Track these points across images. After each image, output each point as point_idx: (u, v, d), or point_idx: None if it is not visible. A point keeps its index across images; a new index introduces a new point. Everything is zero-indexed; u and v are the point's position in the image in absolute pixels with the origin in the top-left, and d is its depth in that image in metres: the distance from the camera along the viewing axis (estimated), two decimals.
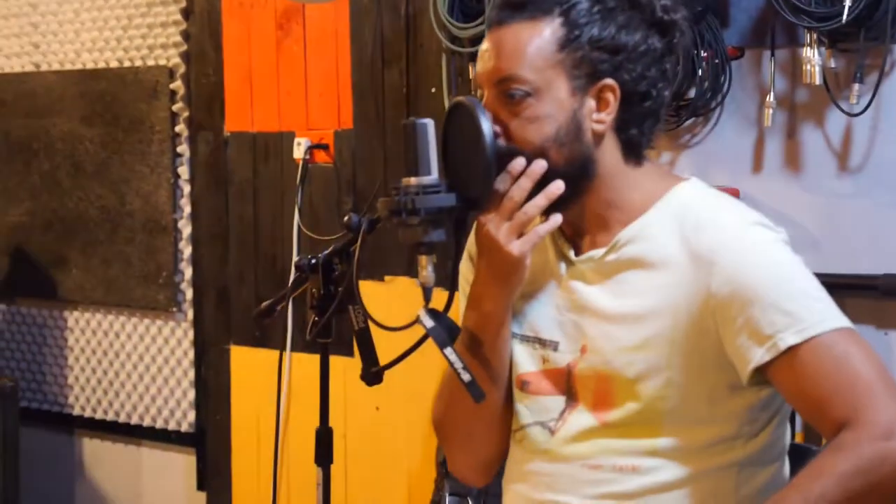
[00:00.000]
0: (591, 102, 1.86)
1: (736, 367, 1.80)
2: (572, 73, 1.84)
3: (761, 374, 1.79)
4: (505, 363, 1.96)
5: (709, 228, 1.83)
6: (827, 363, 1.73)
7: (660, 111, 1.91)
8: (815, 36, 2.83)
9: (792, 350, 1.74)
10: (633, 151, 1.91)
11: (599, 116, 1.86)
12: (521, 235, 1.84)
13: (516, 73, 1.84)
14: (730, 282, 1.78)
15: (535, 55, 1.84)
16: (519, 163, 1.83)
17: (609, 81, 1.85)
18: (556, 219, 1.87)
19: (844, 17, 2.72)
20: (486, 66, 1.88)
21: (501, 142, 1.85)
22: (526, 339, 1.96)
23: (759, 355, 1.76)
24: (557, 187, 1.84)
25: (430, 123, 1.81)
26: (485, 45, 1.89)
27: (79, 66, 4.55)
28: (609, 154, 1.88)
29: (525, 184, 1.83)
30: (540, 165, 1.83)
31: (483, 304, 1.91)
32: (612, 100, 1.86)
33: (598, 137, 1.87)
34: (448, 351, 1.80)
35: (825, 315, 1.76)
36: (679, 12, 1.91)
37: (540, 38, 1.84)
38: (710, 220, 1.84)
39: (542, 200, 1.83)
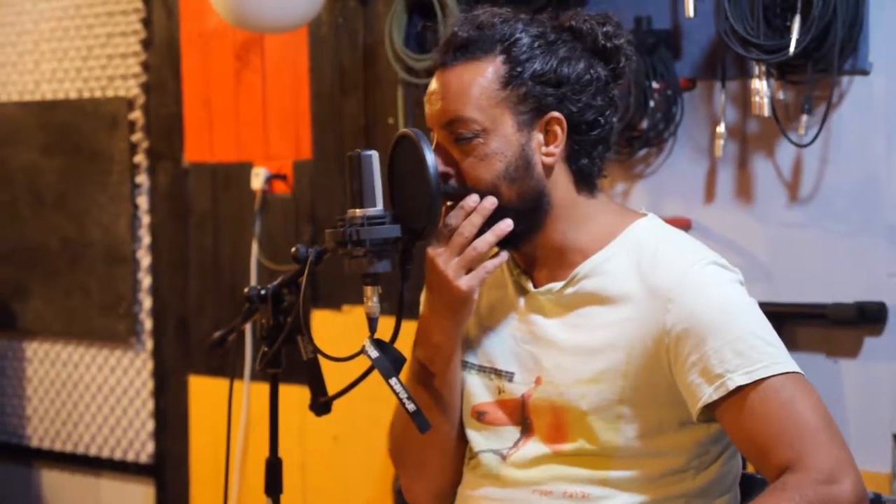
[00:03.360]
0: (538, 136, 1.88)
1: (687, 403, 1.82)
2: (517, 109, 1.86)
3: (710, 412, 1.81)
4: (456, 394, 1.98)
5: (666, 266, 1.84)
6: (774, 406, 1.75)
7: (609, 138, 1.93)
8: (764, 68, 2.87)
9: (740, 391, 1.76)
10: (585, 181, 1.92)
11: (548, 150, 1.88)
12: (469, 271, 1.86)
13: (463, 114, 1.86)
14: (684, 319, 1.80)
15: (479, 95, 1.86)
16: (472, 199, 1.85)
17: (555, 114, 1.87)
18: (503, 255, 1.90)
19: (792, 49, 2.76)
20: (433, 108, 1.90)
21: (453, 183, 1.87)
22: (482, 369, 1.98)
23: (708, 393, 1.78)
24: (507, 225, 1.86)
25: (374, 155, 1.83)
26: (432, 87, 1.91)
27: (38, 97, 4.56)
28: (561, 186, 1.90)
29: (476, 220, 1.85)
30: (490, 202, 1.85)
31: (432, 337, 1.93)
32: (560, 132, 1.87)
33: (549, 170, 1.89)
34: (393, 381, 1.81)
35: (775, 359, 1.77)
36: (622, 37, 1.92)
37: (483, 77, 1.86)
38: (667, 257, 1.86)
39: (491, 237, 1.86)
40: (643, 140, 3.11)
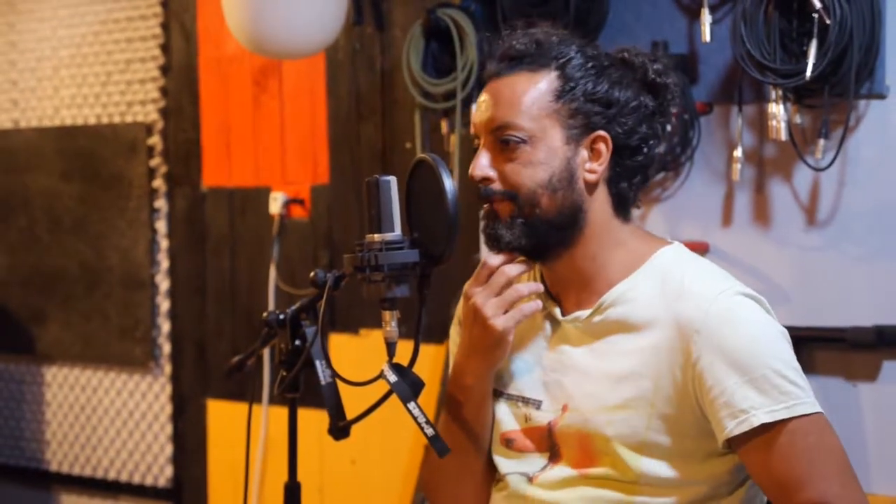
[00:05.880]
0: (584, 152, 1.91)
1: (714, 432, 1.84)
2: (567, 123, 1.90)
3: (731, 444, 1.82)
4: (487, 429, 2.00)
5: (693, 295, 1.86)
6: (800, 448, 1.77)
7: (649, 169, 1.96)
8: (780, 92, 2.87)
9: (763, 428, 1.78)
10: (622, 206, 1.95)
11: (592, 166, 1.91)
12: (506, 312, 1.90)
13: (512, 120, 1.89)
14: (711, 351, 1.81)
15: (531, 104, 1.89)
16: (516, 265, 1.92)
17: (602, 133, 1.90)
18: (538, 303, 1.93)
19: (808, 74, 2.76)
20: (482, 115, 1.93)
21: (495, 186, 1.90)
22: (510, 397, 2.00)
23: (730, 427, 1.79)
24: (537, 305, 1.91)
25: (392, 180, 1.84)
26: (482, 97, 1.95)
27: (58, 123, 4.58)
28: (599, 206, 1.93)
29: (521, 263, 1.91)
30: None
31: (465, 378, 1.96)
32: (605, 151, 1.91)
33: (591, 188, 1.92)
34: (412, 405, 1.81)
35: (800, 399, 1.79)
36: (671, 77, 1.96)
37: (536, 88, 1.90)
38: (694, 286, 1.87)
39: (533, 286, 1.92)
40: (660, 164, 3.11)
